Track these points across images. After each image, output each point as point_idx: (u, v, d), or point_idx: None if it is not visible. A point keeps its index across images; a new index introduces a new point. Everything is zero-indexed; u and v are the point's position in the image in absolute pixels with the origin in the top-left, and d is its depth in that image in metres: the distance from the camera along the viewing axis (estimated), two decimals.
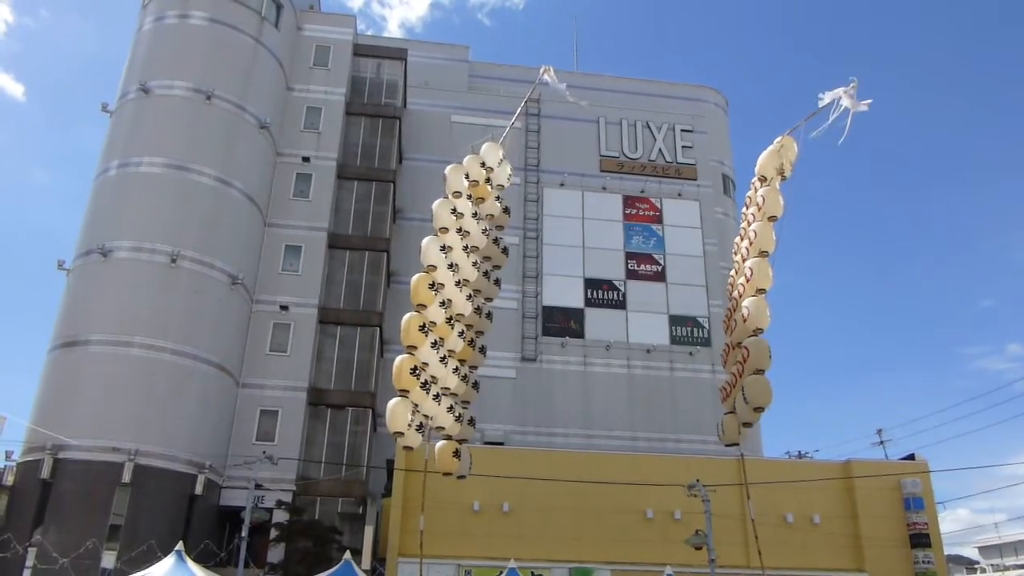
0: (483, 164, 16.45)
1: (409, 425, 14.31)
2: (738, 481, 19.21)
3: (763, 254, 14.21)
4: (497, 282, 17.58)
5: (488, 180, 16.64)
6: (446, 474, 16.10)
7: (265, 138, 32.46)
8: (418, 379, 14.34)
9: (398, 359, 14.41)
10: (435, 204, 15.69)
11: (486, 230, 16.80)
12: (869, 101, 12.60)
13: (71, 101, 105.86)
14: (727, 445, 16.51)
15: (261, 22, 33.36)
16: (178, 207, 28.73)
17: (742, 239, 15.93)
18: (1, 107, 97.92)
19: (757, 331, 13.81)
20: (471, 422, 16.69)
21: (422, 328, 14.34)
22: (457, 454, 15.90)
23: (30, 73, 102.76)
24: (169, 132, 29.73)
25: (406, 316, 14.48)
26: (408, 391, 14.25)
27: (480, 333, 17.08)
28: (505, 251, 17.93)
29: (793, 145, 14.63)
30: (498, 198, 17.19)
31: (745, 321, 13.96)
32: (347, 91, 35.76)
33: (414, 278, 14.83)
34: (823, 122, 12.86)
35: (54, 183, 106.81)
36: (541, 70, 14.84)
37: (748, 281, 14.32)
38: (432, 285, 14.74)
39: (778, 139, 15.00)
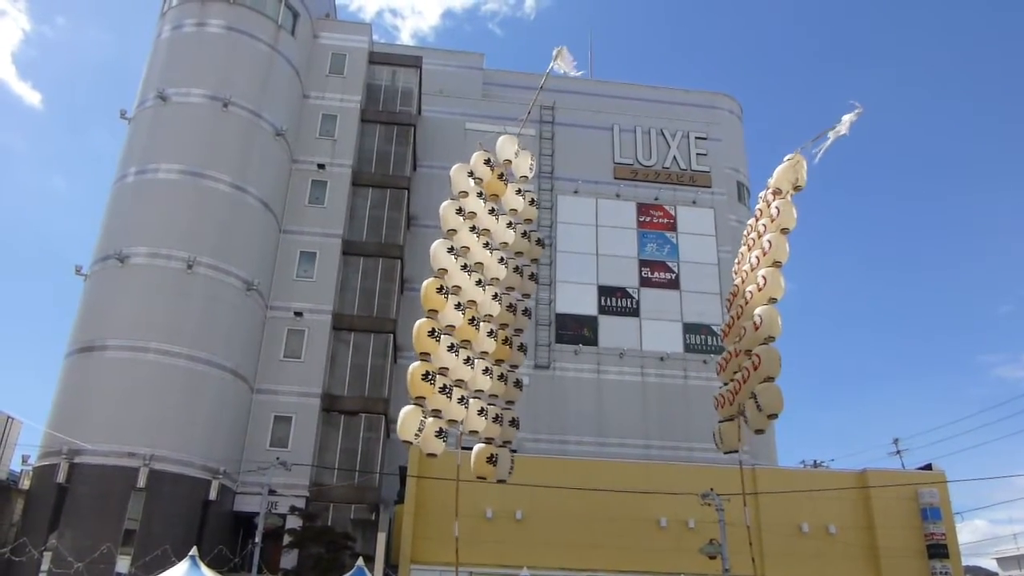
0: (488, 160, 16.08)
1: (419, 433, 14.02)
2: (751, 490, 19.15)
3: (776, 264, 14.25)
4: (532, 277, 16.90)
5: (502, 175, 16.30)
6: (480, 478, 15.63)
7: (281, 145, 32.67)
8: (434, 385, 14.08)
9: (412, 366, 14.23)
10: (442, 207, 15.49)
11: (511, 224, 16.36)
12: (859, 110, 13.28)
13: (88, 108, 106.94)
14: (726, 453, 16.52)
15: (277, 30, 33.62)
16: (194, 213, 28.96)
17: (750, 249, 15.91)
18: (19, 114, 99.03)
19: (768, 339, 13.81)
20: (514, 423, 15.89)
21: (431, 333, 14.14)
22: (492, 459, 15.48)
23: (47, 81, 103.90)
24: (186, 139, 30.00)
25: (417, 322, 14.33)
26: (424, 398, 14.05)
27: (520, 331, 16.60)
28: (540, 243, 17.15)
29: (803, 161, 14.94)
30: (520, 191, 16.66)
31: (757, 329, 13.94)
32: (362, 98, 35.95)
33: (424, 283, 14.66)
34: (829, 139, 13.76)
35: (71, 189, 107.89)
36: (554, 52, 14.53)
37: (760, 290, 14.31)
38: (441, 289, 14.52)
39: (791, 156, 15.14)
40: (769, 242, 14.47)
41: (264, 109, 31.98)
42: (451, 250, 14.81)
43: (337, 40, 36.94)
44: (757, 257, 15.03)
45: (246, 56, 32.29)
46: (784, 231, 14.42)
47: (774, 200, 14.93)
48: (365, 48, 37.05)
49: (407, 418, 13.87)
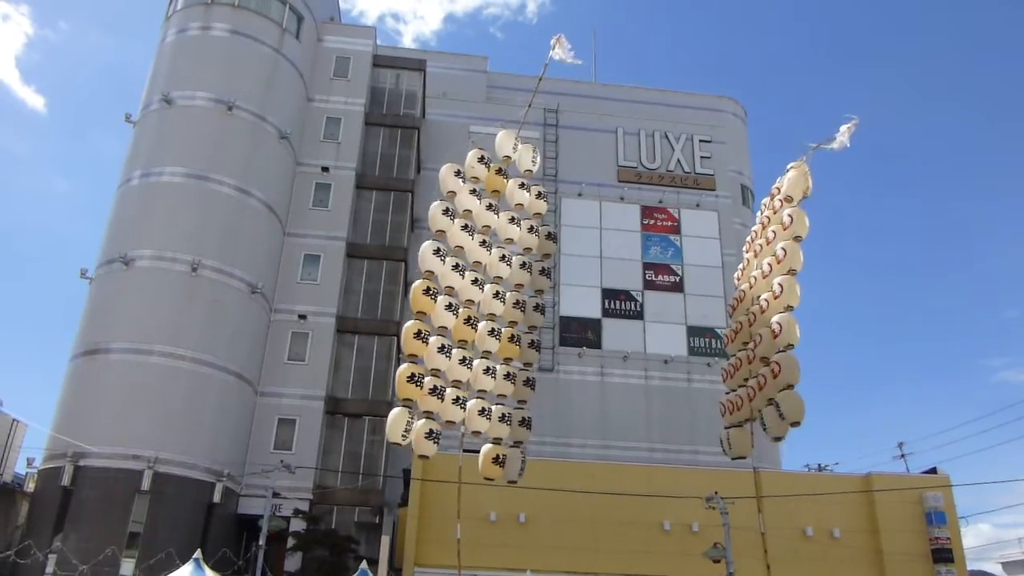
0: (483, 158, 15.92)
1: (405, 434, 13.99)
2: (753, 494, 19.13)
3: (792, 272, 14.29)
4: (544, 272, 16.45)
5: (501, 170, 16.13)
6: (488, 480, 15.46)
7: (285, 148, 32.74)
8: (421, 387, 14.05)
9: (399, 369, 14.25)
10: (430, 208, 15.36)
11: (513, 219, 15.98)
12: (855, 121, 13.58)
13: (91, 112, 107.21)
14: (734, 459, 16.51)
15: (282, 33, 33.71)
16: (199, 216, 29.02)
17: (757, 256, 15.89)
18: (22, 118, 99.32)
19: (788, 347, 13.86)
20: (524, 422, 15.47)
21: (418, 335, 14.13)
22: (499, 459, 15.30)
23: (51, 85, 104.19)
24: (191, 142, 30.07)
25: (405, 325, 14.31)
26: (412, 400, 14.07)
27: (533, 328, 16.07)
28: (550, 237, 16.65)
29: (808, 169, 15.16)
30: (524, 185, 16.17)
31: (776, 337, 13.96)
32: (366, 101, 36.00)
33: (412, 286, 14.63)
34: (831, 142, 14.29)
35: (74, 193, 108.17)
36: (553, 41, 14.46)
37: (776, 297, 14.31)
38: (428, 291, 14.47)
39: (795, 164, 15.28)
40: (784, 250, 14.49)
41: (268, 112, 32.06)
42: (438, 251, 14.71)
43: (341, 43, 37.02)
44: (769, 264, 15.03)
45: (250, 59, 32.37)
46: (797, 239, 14.49)
47: (784, 207, 14.97)
48: (369, 51, 37.13)
49: (394, 420, 13.95)
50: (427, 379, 14.14)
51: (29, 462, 26.69)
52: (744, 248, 17.50)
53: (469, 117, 39.29)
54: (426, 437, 14.01)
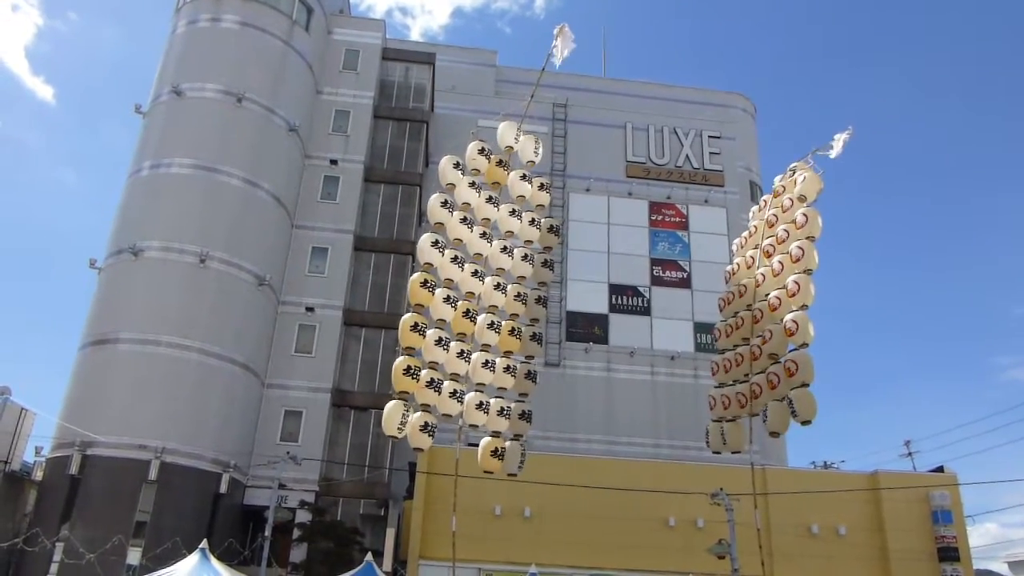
0: (483, 150, 15.82)
1: (401, 427, 13.98)
2: (761, 490, 19.12)
3: (807, 272, 14.35)
4: (547, 264, 16.24)
5: (501, 162, 16.00)
6: (487, 473, 15.43)
7: (294, 140, 32.76)
8: (418, 380, 14.01)
9: (396, 361, 14.20)
10: (430, 200, 15.26)
11: (514, 211, 15.76)
12: (850, 131, 14.14)
13: (100, 103, 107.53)
14: (715, 452, 16.64)
15: (291, 26, 33.70)
16: (207, 208, 29.08)
17: (766, 254, 15.86)
18: (32, 109, 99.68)
19: (803, 346, 13.92)
20: (524, 416, 15.34)
21: (415, 328, 14.10)
22: (497, 452, 15.26)
23: (60, 75, 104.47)
24: (200, 134, 30.12)
25: (402, 318, 14.29)
26: (408, 392, 14.06)
27: (535, 320, 15.92)
28: (552, 230, 16.42)
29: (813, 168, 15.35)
30: (525, 176, 16.01)
31: (792, 335, 14.01)
32: (375, 95, 36.00)
33: (410, 279, 14.60)
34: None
35: (83, 184, 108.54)
36: (556, 31, 14.42)
37: (792, 296, 14.36)
38: (426, 283, 14.42)
39: (803, 166, 15.41)
40: (800, 249, 14.56)
41: (277, 104, 32.08)
42: (436, 243, 14.65)
43: (350, 36, 37.00)
44: (780, 262, 15.07)
45: (260, 51, 32.38)
46: (811, 239, 14.59)
47: (796, 206, 15.05)
48: (378, 44, 37.09)
49: (390, 413, 13.92)
50: (424, 372, 14.11)
51: (37, 451, 26.87)
52: (738, 243, 17.51)
53: (478, 111, 39.19)
54: (421, 430, 14.01)
